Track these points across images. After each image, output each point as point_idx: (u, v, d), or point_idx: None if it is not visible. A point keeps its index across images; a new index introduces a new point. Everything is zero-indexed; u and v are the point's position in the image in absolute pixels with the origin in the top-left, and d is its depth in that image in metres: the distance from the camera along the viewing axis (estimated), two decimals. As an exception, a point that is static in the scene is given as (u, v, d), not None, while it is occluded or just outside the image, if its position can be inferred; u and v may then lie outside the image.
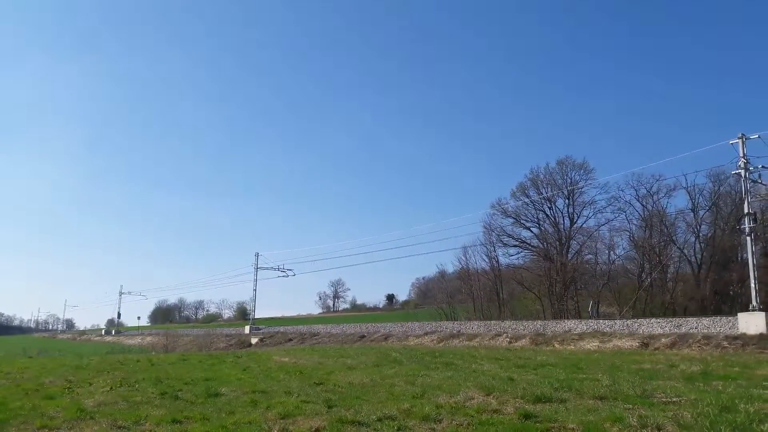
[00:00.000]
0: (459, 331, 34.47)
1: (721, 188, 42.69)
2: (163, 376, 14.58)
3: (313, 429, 7.57)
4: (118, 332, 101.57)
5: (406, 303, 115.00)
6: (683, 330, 24.70)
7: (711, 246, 43.38)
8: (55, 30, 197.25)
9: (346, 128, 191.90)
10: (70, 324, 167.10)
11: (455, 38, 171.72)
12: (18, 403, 10.17)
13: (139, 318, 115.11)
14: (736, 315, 24.50)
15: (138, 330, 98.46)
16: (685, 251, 44.71)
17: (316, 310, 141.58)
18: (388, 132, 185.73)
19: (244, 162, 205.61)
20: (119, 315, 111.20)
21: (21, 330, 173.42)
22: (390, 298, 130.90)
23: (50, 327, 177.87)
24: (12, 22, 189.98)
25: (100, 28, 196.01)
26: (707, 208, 44.14)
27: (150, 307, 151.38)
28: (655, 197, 45.69)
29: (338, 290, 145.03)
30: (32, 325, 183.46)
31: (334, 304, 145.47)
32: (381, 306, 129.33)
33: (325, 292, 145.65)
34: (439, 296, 65.07)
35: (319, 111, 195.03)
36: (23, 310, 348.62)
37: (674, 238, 45.29)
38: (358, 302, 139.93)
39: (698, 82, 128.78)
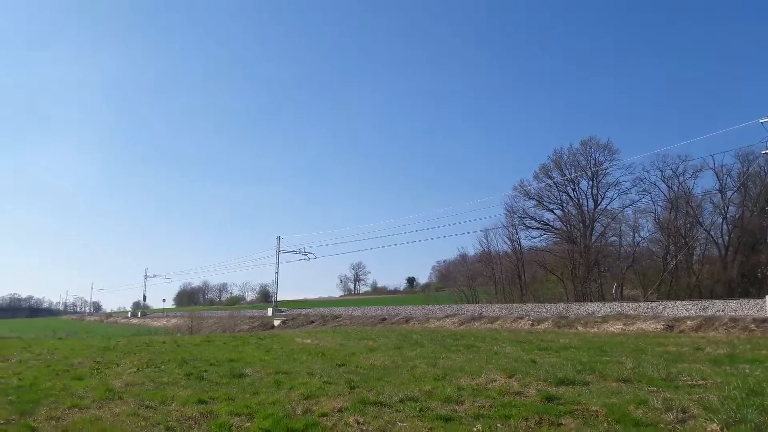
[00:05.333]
0: (480, 313, 34.39)
1: (750, 168, 41.79)
2: (189, 357, 14.82)
3: (336, 409, 7.64)
4: (143, 314, 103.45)
5: (426, 286, 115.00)
6: (709, 313, 24.35)
7: (739, 227, 42.59)
8: (81, 17, 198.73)
9: (366, 110, 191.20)
10: (97, 306, 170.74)
11: (474, 17, 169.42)
12: (48, 384, 10.43)
13: (164, 300, 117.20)
14: (764, 297, 24.10)
15: (163, 312, 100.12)
16: (712, 233, 43.99)
17: (337, 292, 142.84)
18: (410, 114, 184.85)
19: (266, 146, 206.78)
20: (145, 297, 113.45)
21: (50, 312, 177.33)
22: (411, 281, 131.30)
23: (78, 309, 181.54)
24: (38, 10, 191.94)
25: (125, 15, 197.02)
26: (735, 189, 43.27)
27: (175, 290, 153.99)
28: (681, 178, 44.95)
29: (359, 273, 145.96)
30: (61, 307, 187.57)
31: (355, 287, 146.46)
32: (402, 289, 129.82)
33: (346, 275, 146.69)
34: (460, 279, 64.92)
35: (339, 93, 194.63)
36: (52, 293, 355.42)
37: (701, 219, 44.53)
38: (379, 285, 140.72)
39: (727, 63, 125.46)
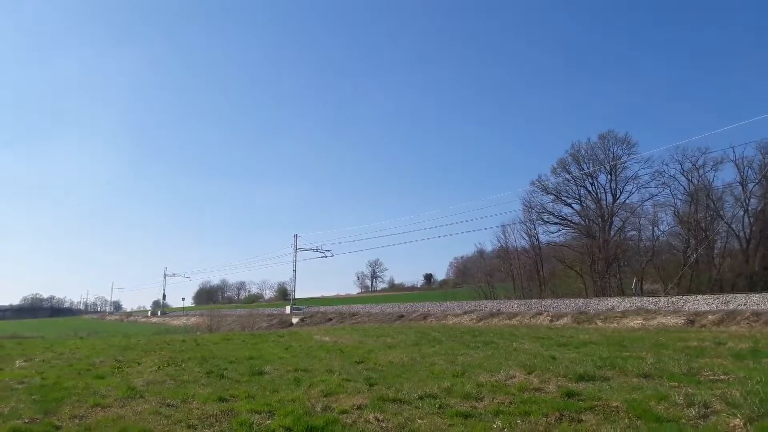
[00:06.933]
0: (499, 309, 34.26)
1: (772, 160, 41.13)
2: (209, 356, 14.95)
3: (356, 407, 7.67)
4: (163, 313, 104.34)
5: (444, 282, 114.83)
6: (731, 307, 24.02)
7: (761, 220, 41.89)
8: (94, 20, 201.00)
9: (383, 108, 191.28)
10: (117, 306, 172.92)
11: (498, 15, 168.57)
12: (71, 383, 10.56)
13: (183, 299, 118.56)
14: (788, 291, 23.72)
15: (183, 311, 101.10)
16: (733, 226, 43.26)
17: (354, 290, 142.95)
18: (427, 111, 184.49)
19: (283, 145, 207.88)
20: (164, 296, 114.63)
21: (71, 312, 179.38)
22: (428, 277, 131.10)
23: (99, 309, 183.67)
24: (53, 14, 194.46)
25: (137, 18, 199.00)
26: (757, 181, 42.53)
27: (194, 289, 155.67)
28: (701, 171, 44.31)
29: (376, 270, 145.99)
30: (82, 307, 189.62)
31: (372, 284, 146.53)
32: (419, 285, 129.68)
33: (363, 272, 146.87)
34: (477, 275, 64.83)
35: (354, 92, 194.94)
36: (73, 292, 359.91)
37: (721, 212, 43.83)
38: (396, 282, 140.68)
39: (747, 55, 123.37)
